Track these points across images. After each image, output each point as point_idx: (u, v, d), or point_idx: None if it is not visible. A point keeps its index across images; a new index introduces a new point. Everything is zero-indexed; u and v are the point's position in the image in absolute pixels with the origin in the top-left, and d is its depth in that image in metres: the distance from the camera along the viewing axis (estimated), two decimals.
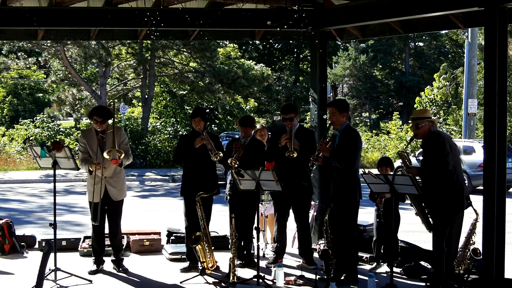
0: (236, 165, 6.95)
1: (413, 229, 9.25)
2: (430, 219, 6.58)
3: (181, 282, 6.80)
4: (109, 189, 7.08)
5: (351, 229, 6.76)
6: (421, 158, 6.79)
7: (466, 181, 17.29)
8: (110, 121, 7.03)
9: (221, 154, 7.03)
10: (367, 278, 6.48)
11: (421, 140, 6.64)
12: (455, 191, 6.33)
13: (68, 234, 9.46)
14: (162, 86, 29.10)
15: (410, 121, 6.91)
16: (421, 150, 6.90)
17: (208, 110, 28.38)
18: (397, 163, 19.37)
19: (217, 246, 7.78)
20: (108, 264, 7.36)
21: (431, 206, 6.47)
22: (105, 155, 6.74)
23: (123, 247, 7.77)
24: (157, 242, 8.40)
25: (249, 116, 7.93)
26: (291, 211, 7.53)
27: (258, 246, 6.62)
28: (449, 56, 38.87)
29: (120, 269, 7.24)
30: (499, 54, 6.03)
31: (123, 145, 7.02)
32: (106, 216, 7.22)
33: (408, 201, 6.84)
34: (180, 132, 26.30)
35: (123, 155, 6.79)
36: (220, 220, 8.62)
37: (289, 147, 6.98)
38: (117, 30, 9.08)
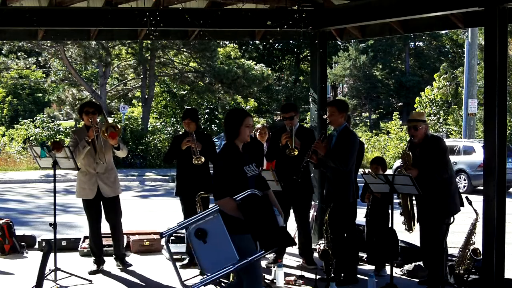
0: None
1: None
2: (415, 220, 6.62)
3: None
4: (101, 186, 7.05)
5: (350, 229, 6.75)
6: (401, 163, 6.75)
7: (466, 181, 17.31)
8: (98, 119, 7.07)
9: (203, 159, 6.98)
10: (367, 278, 6.49)
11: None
12: (456, 192, 6.46)
13: (67, 235, 9.45)
14: (162, 86, 29.10)
15: (407, 123, 6.89)
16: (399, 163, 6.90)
17: (208, 110, 28.39)
18: (397, 163, 19.46)
19: None
20: (108, 264, 7.36)
21: (429, 208, 6.44)
22: (102, 132, 6.75)
23: (125, 245, 7.76)
24: (157, 242, 8.39)
25: None
26: (291, 211, 7.54)
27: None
28: (449, 56, 38.92)
29: (125, 265, 7.26)
30: (499, 54, 6.02)
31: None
32: (102, 215, 7.20)
33: (396, 200, 6.79)
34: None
35: (119, 127, 6.79)
36: None
37: (289, 145, 6.98)
38: (117, 30, 9.09)
